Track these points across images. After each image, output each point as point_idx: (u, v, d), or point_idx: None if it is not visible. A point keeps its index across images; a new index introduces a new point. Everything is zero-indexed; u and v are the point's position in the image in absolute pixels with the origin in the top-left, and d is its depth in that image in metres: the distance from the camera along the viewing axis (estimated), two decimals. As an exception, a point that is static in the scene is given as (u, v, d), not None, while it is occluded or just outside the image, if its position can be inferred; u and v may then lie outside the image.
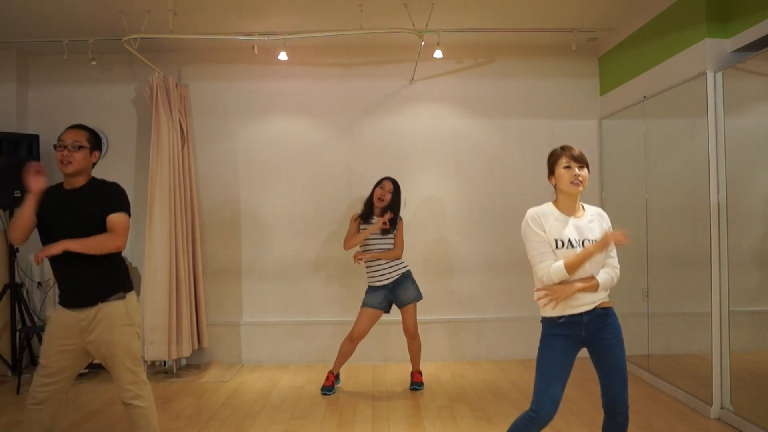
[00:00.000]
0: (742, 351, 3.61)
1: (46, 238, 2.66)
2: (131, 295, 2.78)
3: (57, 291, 2.76)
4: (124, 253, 5.31)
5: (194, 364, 5.25)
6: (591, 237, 2.49)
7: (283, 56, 4.93)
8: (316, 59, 5.43)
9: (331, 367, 4.49)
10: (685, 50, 4.03)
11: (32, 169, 2.58)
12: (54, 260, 2.66)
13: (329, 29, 4.76)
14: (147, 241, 4.83)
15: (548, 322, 2.54)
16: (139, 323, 2.80)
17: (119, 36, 4.62)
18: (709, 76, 3.76)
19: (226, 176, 5.40)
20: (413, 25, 4.49)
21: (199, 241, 5.17)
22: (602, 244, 2.42)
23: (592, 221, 2.55)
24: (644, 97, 4.55)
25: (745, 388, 3.54)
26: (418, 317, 4.37)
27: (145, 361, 4.99)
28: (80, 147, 2.69)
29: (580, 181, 2.50)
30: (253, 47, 4.84)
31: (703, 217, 3.81)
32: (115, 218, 2.68)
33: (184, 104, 5.25)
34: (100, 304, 2.65)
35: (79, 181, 2.73)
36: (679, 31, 4.10)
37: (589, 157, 5.39)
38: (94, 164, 2.79)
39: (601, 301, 2.51)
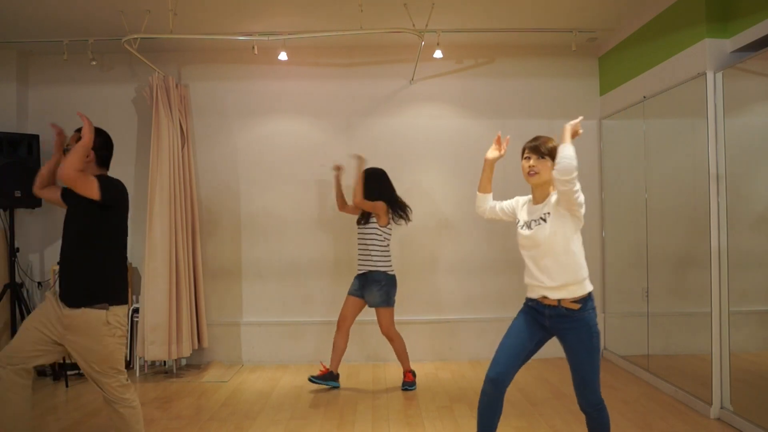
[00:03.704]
0: (742, 351, 3.61)
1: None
2: (119, 309, 2.76)
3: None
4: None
5: (194, 364, 5.25)
6: (537, 217, 2.63)
7: (283, 56, 4.94)
8: (316, 59, 5.43)
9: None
10: (685, 50, 4.03)
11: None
12: (60, 253, 2.79)
13: (329, 29, 4.77)
14: (147, 241, 4.83)
15: (526, 299, 2.74)
16: (123, 334, 2.78)
17: (119, 36, 4.62)
18: (709, 76, 3.76)
19: (226, 176, 5.40)
20: (413, 25, 4.49)
21: (199, 241, 5.17)
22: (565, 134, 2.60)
23: (547, 204, 2.64)
24: (644, 97, 4.55)
25: (745, 388, 3.54)
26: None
27: (145, 361, 5.00)
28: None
29: (536, 172, 2.64)
30: (253, 47, 4.84)
31: (703, 217, 3.81)
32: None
33: (184, 104, 5.26)
34: (83, 309, 2.66)
35: None
36: (679, 31, 4.10)
37: (589, 157, 5.48)
38: (97, 164, 2.81)
39: (559, 299, 2.55)
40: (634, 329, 4.75)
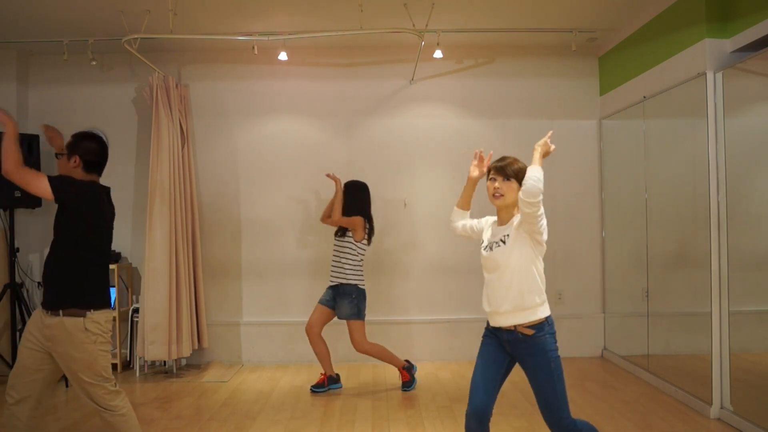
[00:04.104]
0: (742, 351, 3.61)
1: None
2: (98, 315, 2.65)
3: None
4: (124, 253, 5.35)
5: (194, 364, 5.25)
6: (498, 239, 2.60)
7: (283, 56, 4.94)
8: (316, 59, 5.43)
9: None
10: (685, 50, 4.03)
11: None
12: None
13: (329, 29, 4.77)
14: (147, 241, 4.83)
15: (486, 323, 2.73)
16: (106, 341, 2.69)
17: (119, 36, 4.62)
18: (709, 76, 3.76)
19: (226, 176, 5.40)
20: (413, 25, 4.49)
21: (199, 241, 5.17)
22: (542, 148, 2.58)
23: (509, 226, 2.59)
24: (644, 97, 4.55)
25: (745, 388, 3.54)
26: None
27: (145, 361, 5.00)
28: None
29: (501, 194, 2.57)
30: (253, 47, 4.84)
31: (703, 217, 3.81)
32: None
33: (184, 104, 5.26)
34: (62, 316, 2.58)
35: None
36: (679, 31, 4.10)
37: (589, 157, 5.48)
38: (84, 169, 2.74)
39: (515, 324, 2.54)
40: (634, 329, 4.75)
